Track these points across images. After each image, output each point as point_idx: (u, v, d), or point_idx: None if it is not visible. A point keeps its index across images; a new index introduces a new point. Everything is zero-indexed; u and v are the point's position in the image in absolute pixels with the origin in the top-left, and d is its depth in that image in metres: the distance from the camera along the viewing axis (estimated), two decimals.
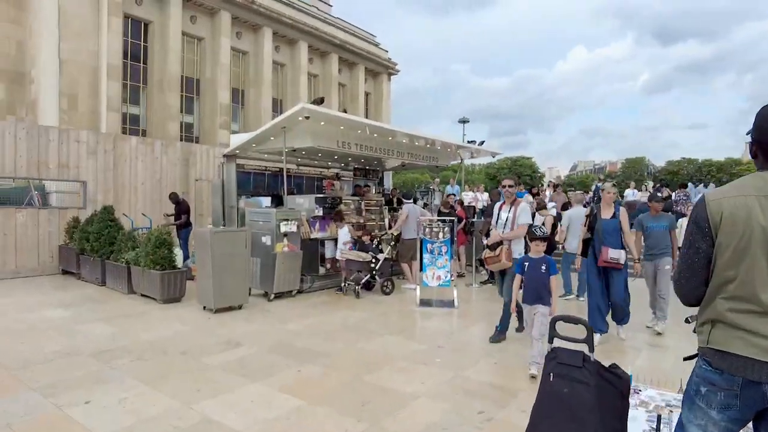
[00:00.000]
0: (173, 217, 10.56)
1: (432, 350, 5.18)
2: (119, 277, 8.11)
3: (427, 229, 7.40)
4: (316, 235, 8.67)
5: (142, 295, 7.67)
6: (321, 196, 9.44)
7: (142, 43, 26.46)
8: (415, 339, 5.69)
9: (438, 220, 7.70)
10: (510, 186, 5.57)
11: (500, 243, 5.41)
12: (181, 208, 10.50)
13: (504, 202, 5.65)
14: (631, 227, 5.79)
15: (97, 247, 8.65)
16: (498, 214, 5.64)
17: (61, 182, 10.31)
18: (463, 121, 40.57)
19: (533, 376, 4.21)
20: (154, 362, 4.67)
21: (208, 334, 5.70)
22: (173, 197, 10.63)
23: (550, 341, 2.80)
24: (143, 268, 7.43)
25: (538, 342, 4.28)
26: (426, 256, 7.39)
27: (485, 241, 5.80)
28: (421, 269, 7.55)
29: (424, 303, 7.27)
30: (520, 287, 4.61)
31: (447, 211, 9.21)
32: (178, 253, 8.30)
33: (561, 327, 2.63)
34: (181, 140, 25.73)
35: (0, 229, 9.43)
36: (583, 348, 2.50)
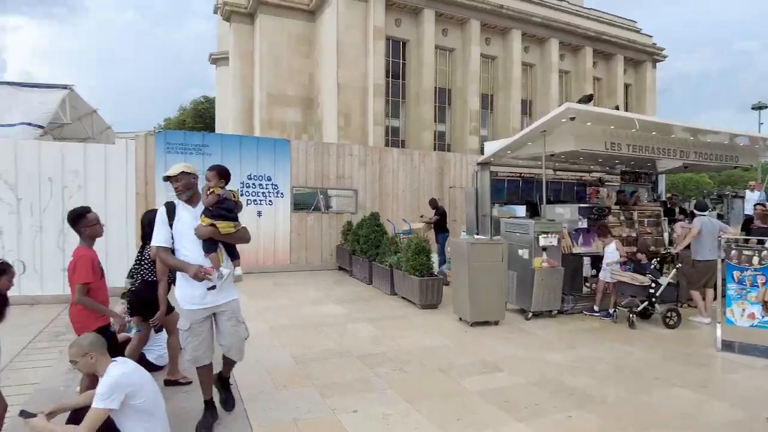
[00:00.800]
0: (429, 219, 11.22)
1: (754, 422, 3.82)
2: (383, 278, 8.77)
3: (734, 252, 5.70)
4: (579, 249, 7.74)
5: (402, 298, 8.09)
6: (585, 205, 8.39)
7: (400, 61, 29.13)
8: (723, 399, 4.33)
9: (751, 239, 5.87)
10: None
11: None
12: (438, 212, 11.04)
13: None
14: None
15: (366, 249, 9.60)
16: None
17: (338, 190, 11.93)
18: (759, 108, 32.94)
19: None
20: (413, 375, 4.68)
21: (465, 350, 5.52)
22: (432, 203, 11.28)
23: None
24: (404, 272, 7.82)
25: None
26: (732, 287, 5.71)
27: None
28: (716, 297, 5.89)
29: (728, 347, 5.65)
30: None
31: (764, 226, 7.01)
32: (435, 258, 8.52)
33: None
34: (435, 148, 27.41)
35: (296, 229, 11.38)
36: None
